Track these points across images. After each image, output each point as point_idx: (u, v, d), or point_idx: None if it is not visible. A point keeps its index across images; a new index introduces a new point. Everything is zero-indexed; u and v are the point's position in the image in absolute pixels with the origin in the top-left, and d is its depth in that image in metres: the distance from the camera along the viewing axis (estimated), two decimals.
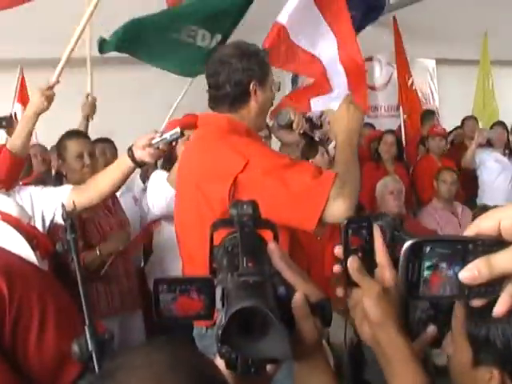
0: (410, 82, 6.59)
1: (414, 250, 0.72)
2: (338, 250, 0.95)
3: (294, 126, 2.45)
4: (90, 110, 4.06)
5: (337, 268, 0.96)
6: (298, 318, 0.88)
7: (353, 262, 0.93)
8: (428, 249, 0.71)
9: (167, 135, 2.33)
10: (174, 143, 2.42)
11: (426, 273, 0.72)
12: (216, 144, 2.10)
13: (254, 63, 2.15)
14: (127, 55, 3.64)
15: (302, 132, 2.48)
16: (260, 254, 0.90)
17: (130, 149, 2.40)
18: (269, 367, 0.93)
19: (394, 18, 6.40)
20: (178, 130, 2.33)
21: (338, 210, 1.90)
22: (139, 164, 2.42)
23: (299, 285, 0.90)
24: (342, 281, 0.96)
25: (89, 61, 4.26)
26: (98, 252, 3.06)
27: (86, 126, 4.03)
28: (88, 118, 4.05)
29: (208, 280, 0.87)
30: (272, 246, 0.93)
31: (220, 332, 0.78)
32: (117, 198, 3.36)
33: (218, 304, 0.84)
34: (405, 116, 6.50)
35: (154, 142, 2.35)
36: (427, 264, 0.72)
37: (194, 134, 2.34)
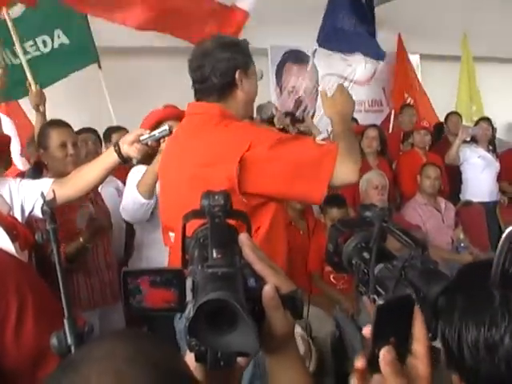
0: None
1: None
2: (367, 329, 0.84)
3: (276, 120, 2.49)
4: (39, 99, 4.03)
5: (361, 363, 0.83)
6: (268, 310, 0.87)
7: (387, 354, 0.82)
8: None
9: (156, 132, 2.35)
10: (161, 140, 2.42)
11: None
12: (216, 130, 2.12)
13: (237, 52, 2.18)
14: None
15: (281, 127, 2.51)
16: (230, 245, 0.89)
17: (117, 144, 2.39)
18: (240, 359, 0.93)
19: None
20: (166, 127, 2.34)
21: (349, 172, 2.02)
22: (125, 159, 2.42)
23: (269, 276, 0.89)
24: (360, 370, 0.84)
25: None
26: (80, 239, 3.00)
27: (44, 119, 3.95)
28: (39, 108, 4.00)
29: (178, 271, 0.85)
30: (243, 237, 0.92)
31: (187, 324, 0.77)
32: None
33: (189, 296, 0.82)
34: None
35: (142, 138, 2.35)
36: None
37: (183, 124, 2.33)
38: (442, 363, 0.98)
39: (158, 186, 3.13)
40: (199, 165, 2.10)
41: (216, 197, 0.91)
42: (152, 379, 0.73)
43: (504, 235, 0.67)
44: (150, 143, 2.36)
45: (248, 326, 0.76)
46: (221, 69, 2.14)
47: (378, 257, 1.01)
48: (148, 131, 2.38)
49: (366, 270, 1.03)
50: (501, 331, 0.87)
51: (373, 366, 0.82)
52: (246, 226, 0.98)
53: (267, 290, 0.86)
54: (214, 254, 0.85)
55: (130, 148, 2.36)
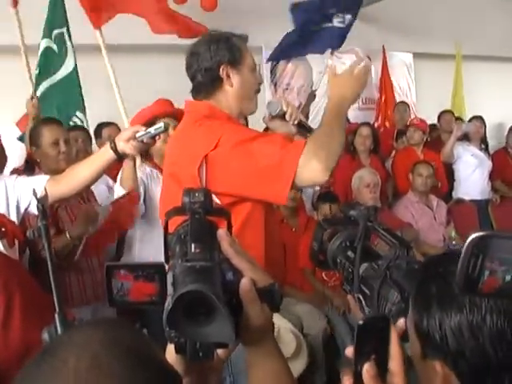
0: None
1: (478, 245, 0.68)
2: (349, 350, 0.88)
3: (287, 116, 2.40)
4: (36, 111, 4.06)
5: (349, 382, 0.88)
6: (245, 303, 0.89)
7: (370, 370, 0.86)
8: (494, 244, 0.67)
9: (151, 129, 2.36)
10: (157, 137, 2.43)
11: (488, 270, 0.68)
12: (191, 129, 2.12)
13: (223, 48, 2.15)
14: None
15: (296, 123, 2.42)
16: (209, 240, 0.91)
17: (113, 141, 2.40)
18: (220, 351, 0.95)
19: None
20: (162, 124, 2.36)
21: (313, 172, 1.89)
22: (121, 156, 2.43)
23: (247, 270, 0.92)
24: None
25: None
26: (67, 236, 3.01)
27: None
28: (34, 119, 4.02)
29: (160, 266, 0.87)
30: (221, 232, 0.95)
31: (166, 316, 0.79)
32: None
33: (170, 289, 0.84)
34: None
35: (138, 135, 2.36)
36: (490, 261, 0.67)
37: (180, 123, 2.35)
38: (416, 355, 1.00)
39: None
40: (174, 164, 2.14)
41: (196, 194, 0.95)
42: (127, 365, 0.75)
43: (467, 241, 0.68)
44: (145, 140, 2.37)
45: (224, 317, 0.79)
46: (205, 65, 2.14)
47: (363, 256, 1.02)
48: (144, 128, 2.39)
49: (350, 269, 1.04)
50: (482, 311, 0.89)
51: (357, 381, 0.86)
52: (226, 223, 1.00)
53: (244, 283, 0.89)
54: (193, 249, 0.87)
55: (125, 145, 2.36)
